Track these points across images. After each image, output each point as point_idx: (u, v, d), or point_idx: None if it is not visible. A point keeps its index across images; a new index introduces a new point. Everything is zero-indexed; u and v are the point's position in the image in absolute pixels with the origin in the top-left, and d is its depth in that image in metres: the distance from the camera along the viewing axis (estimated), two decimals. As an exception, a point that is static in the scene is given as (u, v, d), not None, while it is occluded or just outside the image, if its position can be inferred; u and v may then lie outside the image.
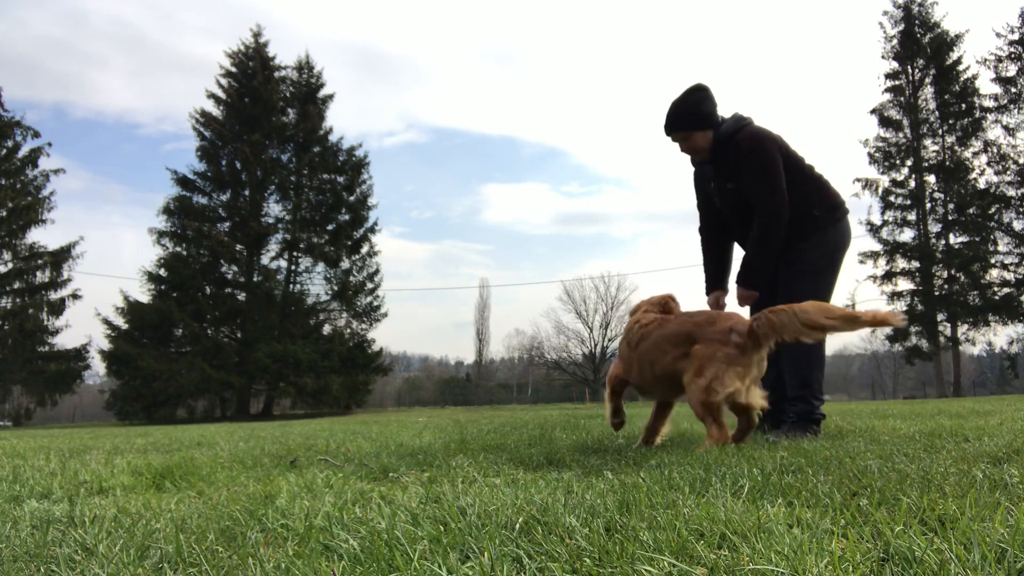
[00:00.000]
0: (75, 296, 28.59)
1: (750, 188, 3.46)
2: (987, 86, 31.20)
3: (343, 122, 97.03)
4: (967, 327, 29.33)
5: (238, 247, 29.80)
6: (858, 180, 31.40)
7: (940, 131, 30.81)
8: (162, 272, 28.57)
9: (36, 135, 28.59)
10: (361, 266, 32.07)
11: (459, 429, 5.46)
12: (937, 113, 30.80)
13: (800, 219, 3.47)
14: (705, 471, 1.99)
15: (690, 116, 3.55)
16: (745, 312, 3.58)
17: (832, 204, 3.57)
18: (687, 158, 3.82)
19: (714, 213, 3.80)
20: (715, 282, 3.78)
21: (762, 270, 3.52)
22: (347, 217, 31.91)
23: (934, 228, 30.47)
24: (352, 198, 31.98)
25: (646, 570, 1.04)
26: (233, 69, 31.26)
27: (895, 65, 31.76)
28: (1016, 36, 29.21)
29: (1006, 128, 29.36)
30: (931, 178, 30.79)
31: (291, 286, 31.23)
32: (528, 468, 2.35)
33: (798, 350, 3.40)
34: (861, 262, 31.17)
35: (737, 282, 3.59)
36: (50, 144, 29.11)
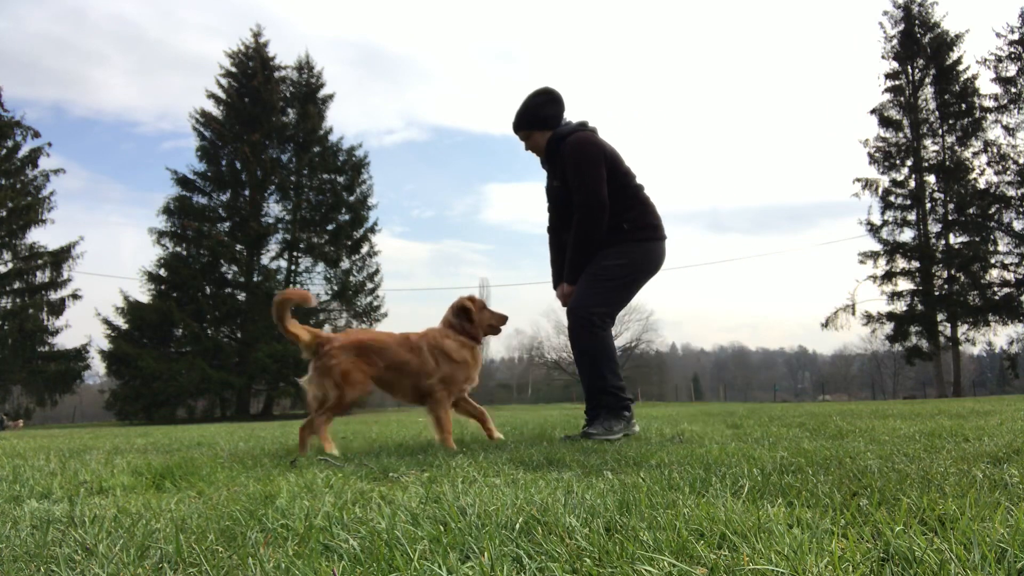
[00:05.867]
0: (75, 296, 28.56)
1: (572, 186, 3.62)
2: (987, 86, 31.28)
3: (343, 120, 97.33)
4: (967, 327, 29.34)
5: (238, 247, 29.80)
6: (858, 180, 31.44)
7: (940, 131, 30.82)
8: (162, 272, 28.57)
9: (36, 135, 28.58)
10: (361, 266, 32.07)
11: (459, 429, 5.45)
12: (937, 113, 30.81)
13: (610, 230, 3.62)
14: (705, 471, 1.99)
15: (531, 117, 3.76)
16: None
17: (644, 224, 3.69)
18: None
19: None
20: (559, 277, 3.93)
21: (580, 266, 3.69)
22: (347, 217, 31.90)
23: (934, 228, 30.48)
24: (352, 198, 31.97)
25: (646, 570, 1.04)
26: (233, 69, 31.26)
27: (895, 65, 31.77)
28: (1016, 36, 29.22)
29: (1006, 128, 29.37)
30: (931, 178, 30.79)
31: (291, 286, 31.20)
32: (528, 468, 2.35)
33: (581, 358, 3.58)
34: (861, 262, 31.22)
35: (564, 280, 3.77)
36: (50, 144, 29.09)
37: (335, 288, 31.40)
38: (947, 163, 29.99)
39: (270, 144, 30.99)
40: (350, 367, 3.40)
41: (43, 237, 46.27)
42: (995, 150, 29.40)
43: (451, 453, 2.90)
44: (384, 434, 5.14)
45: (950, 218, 30.07)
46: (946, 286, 29.71)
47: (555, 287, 3.94)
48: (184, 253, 29.00)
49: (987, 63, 29.82)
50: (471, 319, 3.60)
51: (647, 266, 3.71)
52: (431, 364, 3.49)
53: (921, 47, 31.03)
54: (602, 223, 3.57)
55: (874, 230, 30.85)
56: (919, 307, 29.88)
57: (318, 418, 3.40)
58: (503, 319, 3.72)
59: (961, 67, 30.49)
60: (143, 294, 28.64)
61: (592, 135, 3.70)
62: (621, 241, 3.64)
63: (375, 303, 32.04)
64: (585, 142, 3.62)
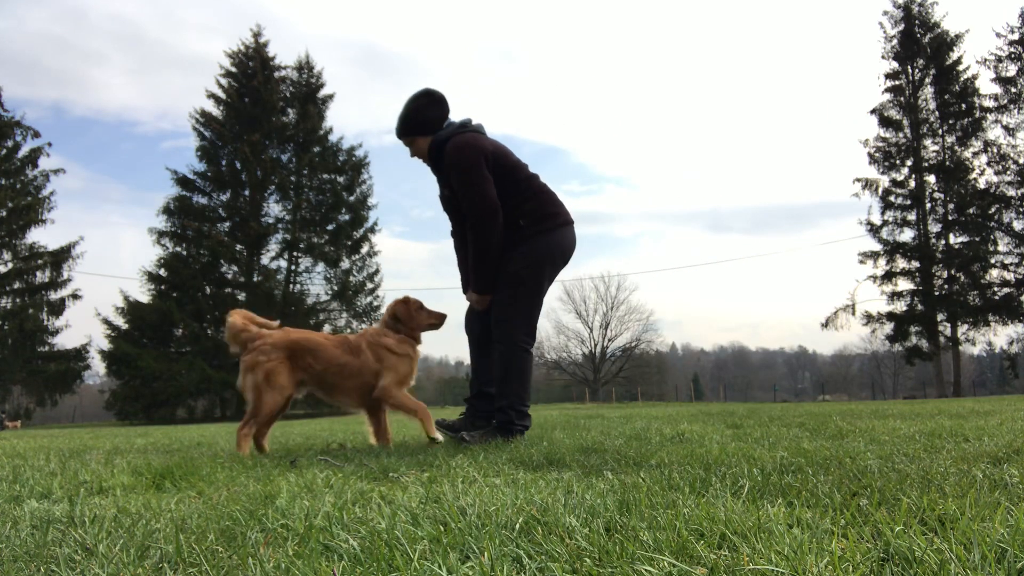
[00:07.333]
0: (75, 296, 28.58)
1: (458, 194, 3.53)
2: (987, 86, 31.31)
3: (343, 120, 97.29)
4: (967, 327, 29.34)
5: (238, 247, 29.80)
6: (858, 180, 31.44)
7: (940, 131, 30.82)
8: (162, 272, 28.58)
9: (36, 135, 28.63)
10: (361, 266, 32.08)
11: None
12: (937, 113, 30.81)
13: (508, 228, 3.53)
14: (705, 471, 1.99)
15: (412, 122, 3.61)
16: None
17: (541, 215, 3.56)
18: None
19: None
20: (467, 282, 3.82)
21: (485, 274, 3.57)
22: (347, 217, 31.91)
23: (934, 228, 30.49)
24: (352, 198, 31.98)
25: (646, 570, 1.04)
26: (233, 69, 31.27)
27: (895, 65, 31.77)
28: (1016, 36, 29.22)
29: (1006, 128, 29.38)
30: (931, 178, 30.79)
31: (291, 286, 31.22)
32: (528, 468, 2.35)
33: (499, 361, 3.56)
34: (861, 262, 31.23)
35: (470, 288, 3.67)
36: (50, 144, 29.17)
37: (335, 288, 31.41)
38: (947, 163, 29.99)
39: (270, 144, 31.00)
40: (276, 367, 3.38)
41: (43, 237, 46.30)
42: (995, 150, 29.41)
43: (451, 453, 2.90)
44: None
45: (950, 218, 30.07)
46: (946, 286, 29.71)
47: (464, 291, 3.82)
48: (184, 253, 28.99)
49: (987, 63, 29.84)
50: (406, 320, 3.65)
51: (554, 257, 3.59)
52: (372, 363, 3.51)
53: (921, 47, 31.02)
54: (497, 226, 3.43)
55: (874, 230, 30.86)
56: (919, 307, 29.88)
57: (240, 432, 3.42)
58: (442, 317, 3.80)
59: (961, 67, 30.50)
60: (143, 294, 28.70)
61: (471, 136, 3.52)
62: (521, 240, 3.52)
63: (375, 303, 32.04)
64: (463, 145, 3.45)
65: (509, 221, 3.51)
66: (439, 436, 3.50)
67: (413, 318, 3.67)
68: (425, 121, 3.59)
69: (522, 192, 3.56)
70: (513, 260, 3.54)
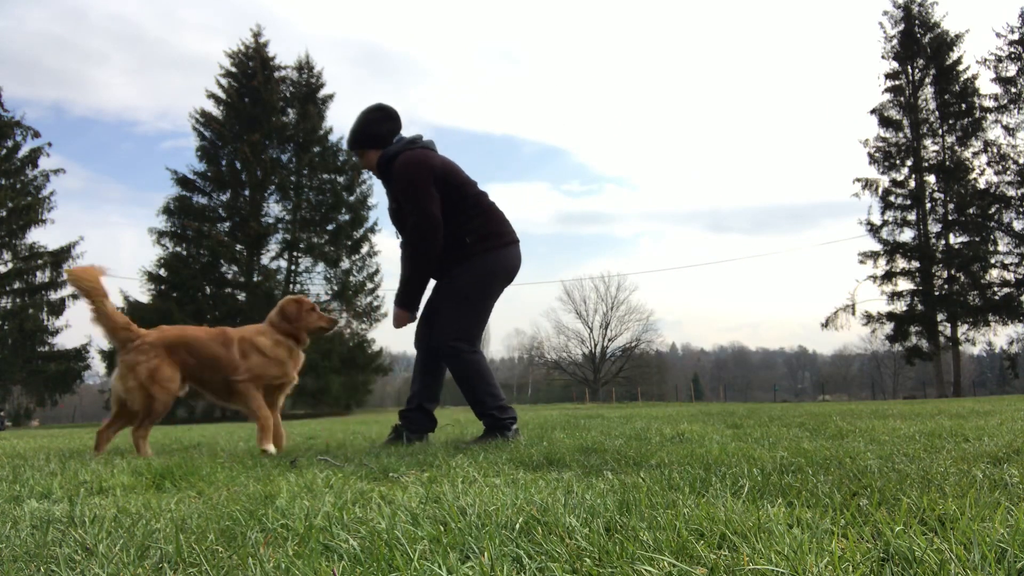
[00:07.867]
0: (75, 296, 28.53)
1: (404, 209, 3.56)
2: (987, 86, 31.28)
3: (344, 120, 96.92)
4: (967, 327, 29.35)
5: (238, 247, 29.79)
6: (858, 180, 31.45)
7: (940, 131, 30.82)
8: (162, 272, 28.57)
9: (36, 135, 28.62)
10: (361, 266, 32.07)
11: (459, 429, 5.45)
12: (937, 113, 30.81)
13: (454, 245, 3.55)
14: (705, 471, 1.99)
15: (363, 135, 3.66)
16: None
17: (487, 233, 3.60)
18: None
19: None
20: None
21: (413, 292, 3.61)
22: (347, 217, 31.90)
23: (934, 228, 30.50)
24: (352, 198, 31.97)
25: (646, 570, 1.04)
26: (233, 69, 31.26)
27: (895, 65, 31.78)
28: (1016, 36, 29.24)
29: (1006, 128, 29.39)
30: (931, 178, 30.80)
31: (291, 286, 31.21)
32: (528, 468, 2.35)
33: (459, 384, 3.58)
34: (861, 262, 31.24)
35: (395, 303, 3.68)
36: (50, 144, 29.16)
37: (335, 288, 31.40)
38: (947, 163, 29.99)
39: (270, 144, 30.98)
40: (159, 364, 3.39)
41: (43, 237, 46.23)
42: (995, 150, 29.42)
43: (451, 453, 2.90)
44: (384, 434, 5.13)
45: (950, 218, 30.07)
46: (946, 286, 29.71)
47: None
48: (184, 253, 28.99)
49: (987, 63, 29.85)
50: (295, 319, 3.64)
51: (499, 275, 3.63)
52: (237, 359, 3.51)
53: (921, 47, 31.03)
54: (435, 244, 3.47)
55: (874, 230, 30.87)
56: (919, 307, 29.88)
57: (135, 433, 3.45)
58: (332, 321, 3.79)
59: (961, 67, 30.51)
60: (143, 294, 28.69)
61: (420, 153, 3.56)
62: (467, 257, 3.56)
63: (375, 303, 32.05)
64: (411, 161, 3.50)
65: (455, 238, 3.54)
66: (271, 449, 3.43)
67: (302, 319, 3.66)
68: (376, 135, 3.63)
69: (469, 210, 3.60)
70: (458, 276, 3.58)
